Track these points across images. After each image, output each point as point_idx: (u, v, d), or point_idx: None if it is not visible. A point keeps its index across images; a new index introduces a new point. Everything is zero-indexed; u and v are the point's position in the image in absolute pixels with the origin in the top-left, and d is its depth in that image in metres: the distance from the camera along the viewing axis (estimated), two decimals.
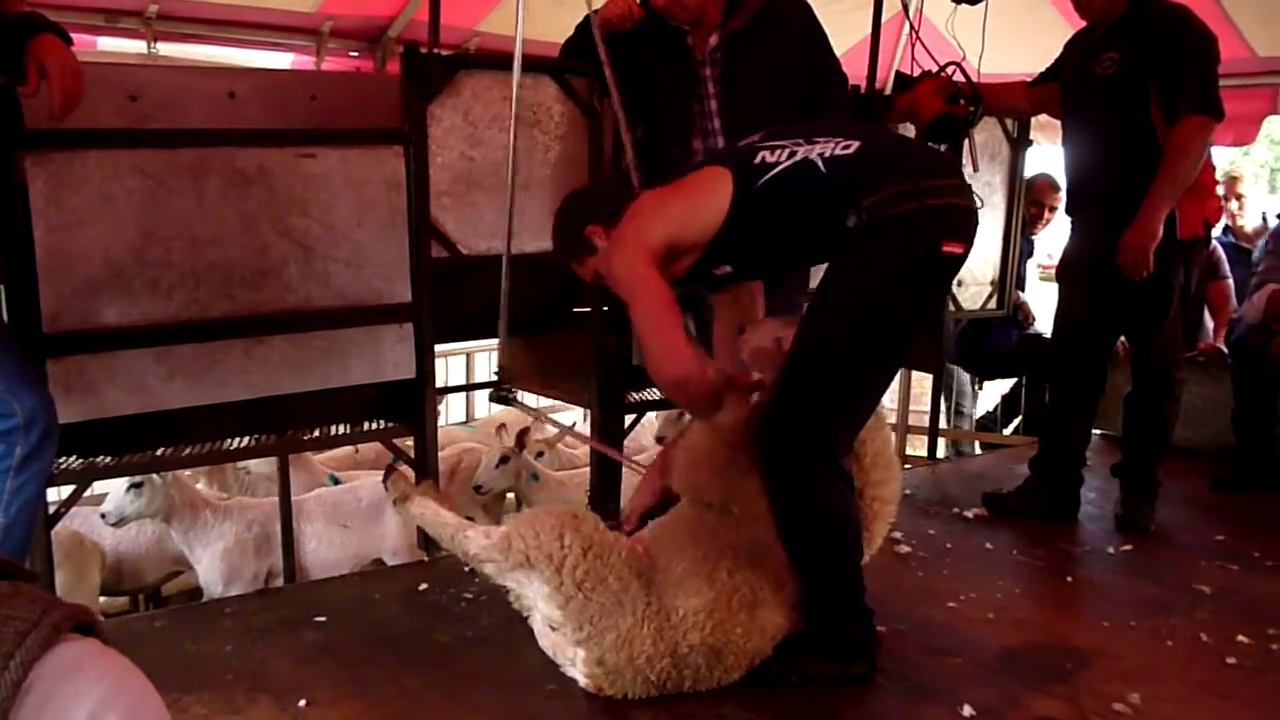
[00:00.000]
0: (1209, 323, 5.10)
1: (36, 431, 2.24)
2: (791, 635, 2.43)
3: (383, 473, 2.69)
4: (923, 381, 5.72)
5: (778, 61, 3.24)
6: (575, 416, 4.86)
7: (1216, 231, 4.78)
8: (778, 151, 2.36)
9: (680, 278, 2.45)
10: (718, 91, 3.28)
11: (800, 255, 2.60)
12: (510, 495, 4.43)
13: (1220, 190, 4.74)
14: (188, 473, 3.88)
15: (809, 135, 2.38)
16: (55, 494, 3.01)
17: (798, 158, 2.33)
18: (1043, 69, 3.81)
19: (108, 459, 2.95)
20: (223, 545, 3.58)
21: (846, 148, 2.33)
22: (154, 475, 3.50)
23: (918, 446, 5.65)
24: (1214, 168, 3.92)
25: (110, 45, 4.53)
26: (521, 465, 4.04)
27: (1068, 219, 3.81)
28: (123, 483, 3.57)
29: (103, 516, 3.64)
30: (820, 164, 2.31)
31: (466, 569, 3.09)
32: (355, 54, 5.19)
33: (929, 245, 2.29)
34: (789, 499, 2.37)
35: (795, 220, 2.37)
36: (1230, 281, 5.01)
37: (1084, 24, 3.61)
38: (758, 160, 2.36)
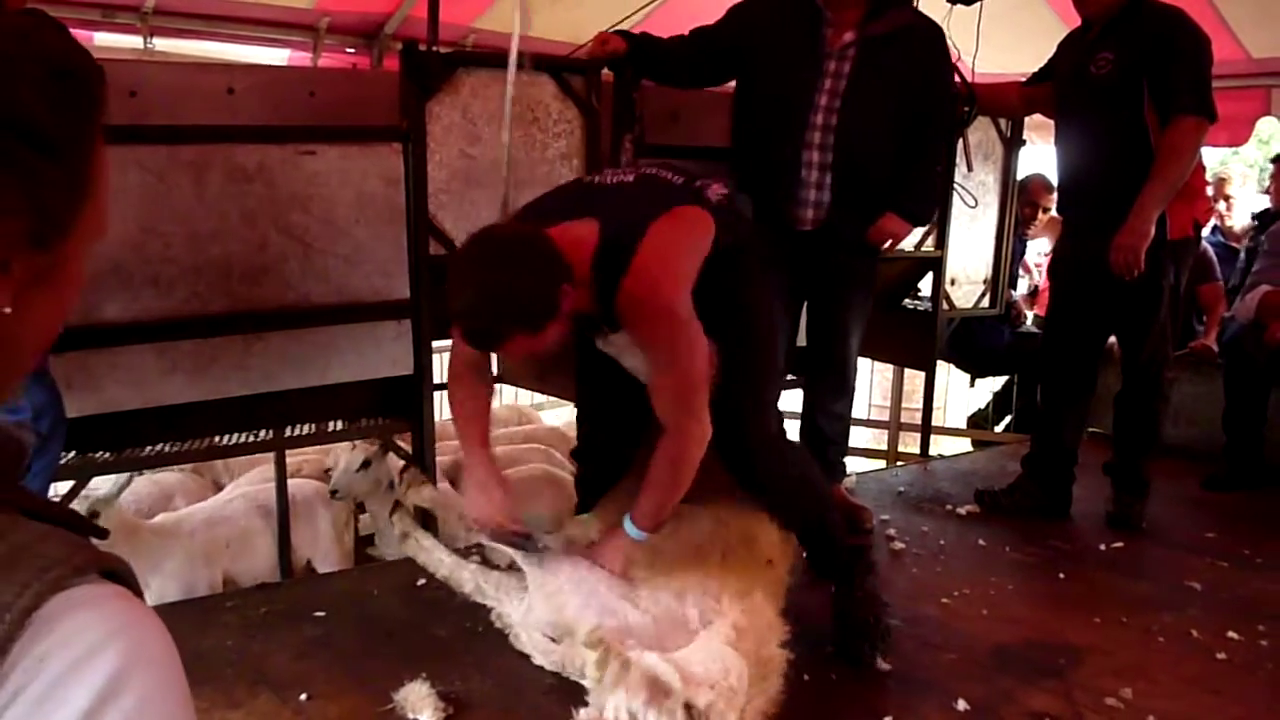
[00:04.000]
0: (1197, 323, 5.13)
1: (44, 425, 2.25)
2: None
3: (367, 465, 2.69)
4: (915, 379, 5.74)
5: (905, 80, 3.18)
6: (567, 414, 4.86)
7: (1205, 231, 4.81)
8: (713, 188, 2.42)
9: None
10: (838, 89, 3.17)
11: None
12: None
13: (1209, 191, 4.78)
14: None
15: (692, 174, 2.47)
16: (53, 490, 3.02)
17: (720, 196, 2.42)
18: (1037, 69, 3.83)
19: (106, 454, 2.96)
20: (171, 564, 3.47)
21: (723, 190, 2.45)
22: (99, 505, 3.29)
23: (910, 444, 5.69)
24: (1204, 168, 3.95)
25: (107, 40, 4.51)
26: (383, 473, 3.78)
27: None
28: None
29: None
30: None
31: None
32: (352, 50, 5.18)
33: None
34: (784, 474, 2.57)
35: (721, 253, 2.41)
36: (1222, 283, 5.04)
37: (1078, 24, 3.63)
38: (713, 199, 2.39)
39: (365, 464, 3.66)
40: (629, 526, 2.38)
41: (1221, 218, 5.34)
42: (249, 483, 4.05)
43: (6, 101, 0.60)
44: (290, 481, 3.90)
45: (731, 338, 2.42)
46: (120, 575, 0.63)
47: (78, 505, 3.08)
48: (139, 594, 0.64)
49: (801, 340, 3.57)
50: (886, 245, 3.40)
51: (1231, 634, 2.83)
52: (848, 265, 3.34)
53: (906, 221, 3.38)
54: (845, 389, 3.56)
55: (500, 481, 2.51)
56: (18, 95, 0.61)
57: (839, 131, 3.17)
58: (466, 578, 2.64)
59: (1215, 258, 5.10)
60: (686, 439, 2.28)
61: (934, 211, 3.57)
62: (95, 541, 0.66)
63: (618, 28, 3.43)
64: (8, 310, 0.63)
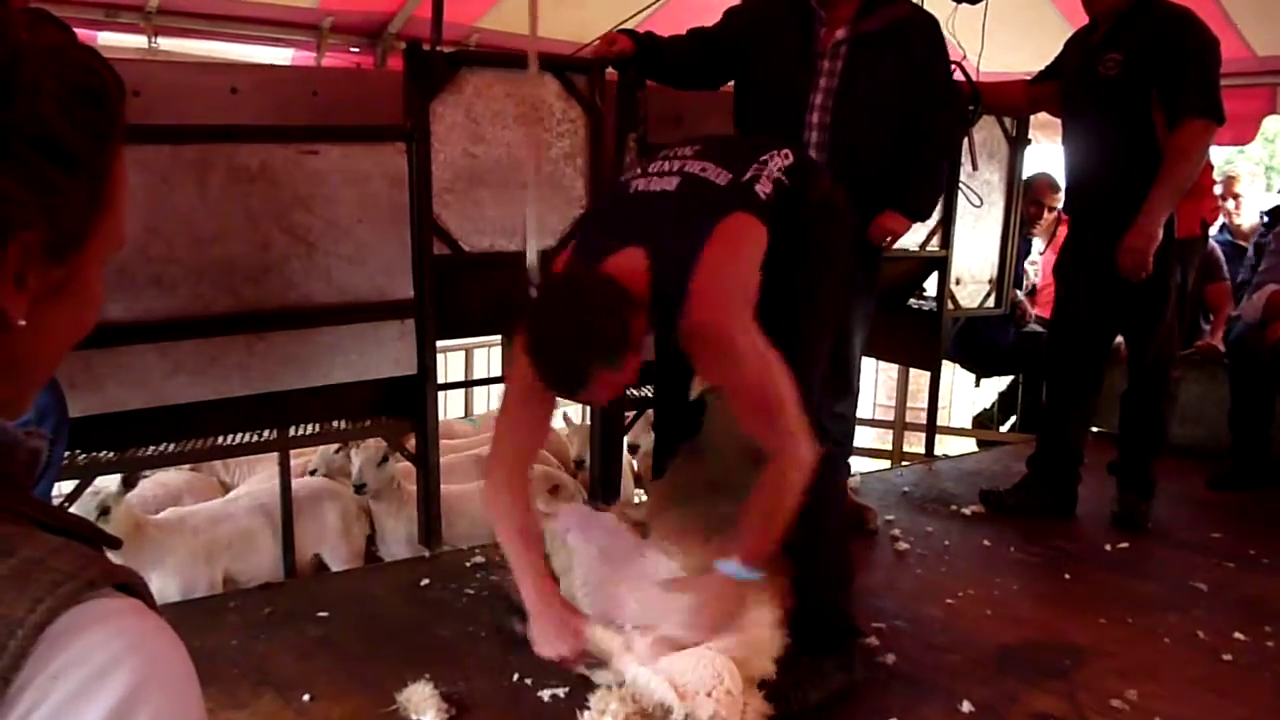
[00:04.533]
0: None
1: (47, 427, 2.25)
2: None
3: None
4: (920, 379, 5.73)
5: (901, 76, 3.15)
6: (574, 413, 4.86)
7: (1213, 230, 4.80)
8: (763, 183, 2.30)
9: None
10: (832, 87, 3.15)
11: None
12: None
13: (1218, 190, 4.77)
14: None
15: (760, 150, 2.37)
16: (57, 489, 3.02)
17: (775, 177, 2.32)
18: (1042, 68, 3.82)
19: (110, 454, 2.96)
20: (173, 560, 3.47)
21: (787, 157, 2.37)
22: (110, 501, 3.26)
23: (915, 444, 5.67)
24: (1212, 167, 3.94)
25: (111, 40, 4.51)
26: (394, 471, 3.74)
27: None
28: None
29: None
30: (787, 180, 2.34)
31: (467, 565, 3.12)
32: (356, 50, 5.18)
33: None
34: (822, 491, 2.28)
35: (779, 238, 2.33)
36: (1229, 282, 5.02)
37: (1082, 23, 3.62)
38: (762, 197, 2.28)
39: (384, 459, 3.68)
40: (732, 567, 2.18)
41: (1230, 216, 5.32)
42: (258, 483, 4.06)
43: (28, 117, 0.61)
44: (297, 480, 3.89)
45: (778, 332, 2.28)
46: (134, 588, 0.63)
47: (89, 500, 3.10)
48: (153, 606, 0.63)
49: None
50: (886, 242, 3.39)
51: (1237, 635, 2.82)
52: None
53: (906, 218, 3.36)
54: (849, 389, 3.55)
55: (575, 612, 2.32)
56: (39, 111, 0.61)
57: (834, 130, 3.14)
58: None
59: (1223, 256, 5.08)
60: (784, 462, 2.14)
61: (934, 207, 3.54)
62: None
63: (623, 27, 3.42)
64: (23, 323, 0.63)
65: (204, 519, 3.60)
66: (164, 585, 3.36)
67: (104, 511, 3.21)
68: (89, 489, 3.09)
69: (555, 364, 2.07)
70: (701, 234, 2.17)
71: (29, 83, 0.61)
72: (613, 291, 2.07)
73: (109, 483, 3.27)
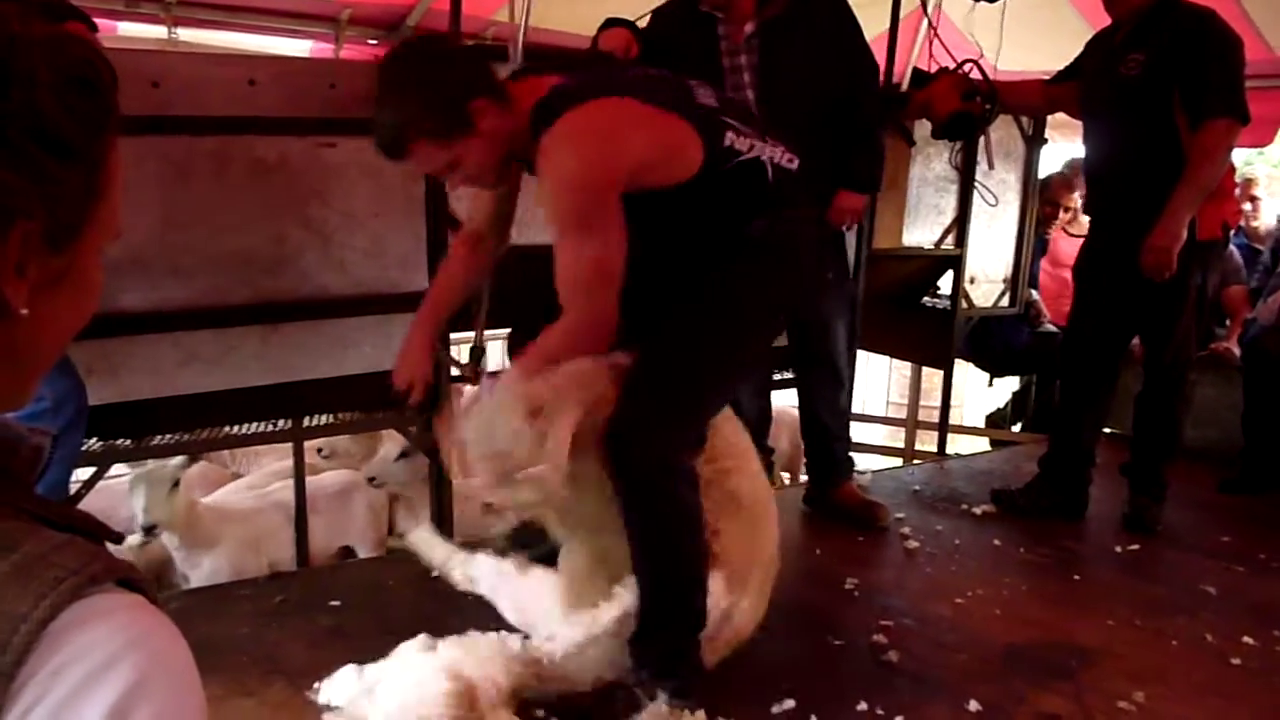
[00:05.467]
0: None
1: (65, 415, 2.27)
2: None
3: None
4: (933, 377, 5.73)
5: (816, 51, 3.18)
6: None
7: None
8: (743, 139, 2.22)
9: None
10: (755, 80, 3.19)
11: (697, 249, 2.31)
12: None
13: (1237, 192, 4.74)
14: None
15: (764, 133, 2.30)
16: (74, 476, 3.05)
17: (754, 154, 2.24)
18: (1060, 68, 3.81)
19: (127, 442, 2.99)
20: (225, 546, 3.54)
21: (791, 161, 2.30)
22: (164, 481, 3.37)
23: (927, 442, 5.67)
24: (1234, 170, 3.91)
25: (131, 30, 4.55)
26: (420, 464, 3.73)
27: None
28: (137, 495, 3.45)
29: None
30: (770, 170, 2.25)
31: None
32: (374, 41, 5.20)
33: (815, 269, 2.34)
34: (649, 502, 2.17)
35: (721, 214, 2.26)
36: (1247, 286, 5.00)
37: (1105, 23, 3.60)
38: (726, 142, 2.19)
39: (403, 454, 3.71)
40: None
41: (1247, 218, 5.29)
42: (274, 475, 4.15)
43: (26, 108, 0.62)
44: (328, 472, 4.05)
45: (682, 323, 2.21)
46: (136, 583, 0.64)
47: (160, 472, 3.24)
48: (154, 600, 0.64)
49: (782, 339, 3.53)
50: (848, 223, 3.38)
51: (1246, 639, 2.81)
52: None
53: (859, 193, 3.38)
54: (839, 380, 3.55)
55: (427, 345, 2.52)
56: (36, 102, 0.62)
57: (766, 120, 3.16)
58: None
59: (1242, 260, 5.05)
60: (577, 317, 2.07)
61: (882, 174, 3.55)
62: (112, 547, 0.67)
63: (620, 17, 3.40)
64: (24, 312, 0.64)
65: (250, 508, 3.70)
66: (215, 569, 3.45)
67: (175, 484, 3.30)
68: (158, 462, 3.21)
69: (379, 122, 2.09)
70: (611, 88, 2.11)
71: (25, 74, 0.62)
72: (467, 68, 2.08)
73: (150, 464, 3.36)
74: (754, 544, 2.42)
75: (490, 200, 2.45)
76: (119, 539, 0.73)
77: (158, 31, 4.55)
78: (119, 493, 3.91)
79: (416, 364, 2.50)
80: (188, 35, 4.65)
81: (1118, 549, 3.49)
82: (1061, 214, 5.32)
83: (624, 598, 2.22)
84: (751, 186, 2.24)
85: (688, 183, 2.16)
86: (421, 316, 2.57)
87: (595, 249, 2.05)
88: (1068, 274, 4.09)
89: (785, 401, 4.52)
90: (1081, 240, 3.82)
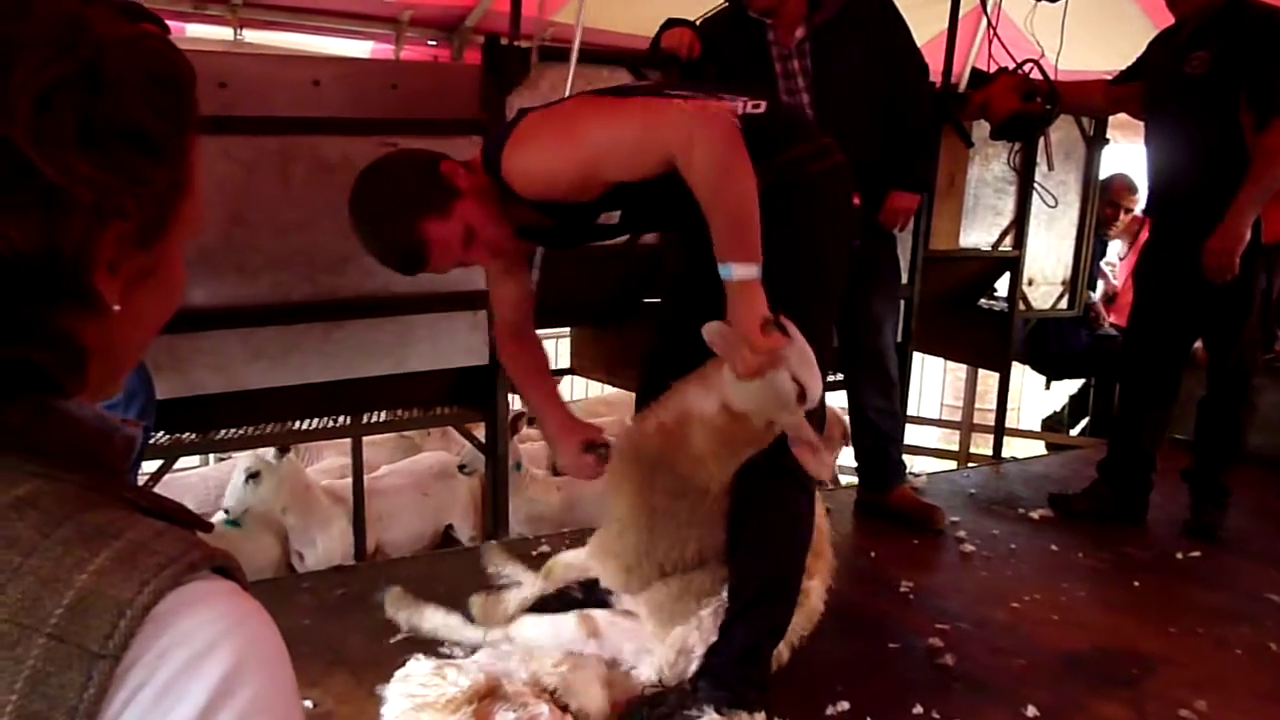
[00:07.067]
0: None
1: (135, 408, 2.32)
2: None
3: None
4: (989, 380, 5.68)
5: (868, 53, 3.21)
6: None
7: None
8: (693, 102, 2.11)
9: (551, 228, 2.24)
10: (809, 85, 3.20)
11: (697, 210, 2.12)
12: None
13: None
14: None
15: (716, 91, 2.23)
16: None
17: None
18: (1123, 67, 3.76)
19: (193, 435, 3.05)
20: (339, 526, 3.70)
21: (757, 107, 2.20)
22: (270, 462, 3.62)
23: (982, 445, 5.62)
24: None
25: (198, 32, 4.64)
26: (288, 476, 3.74)
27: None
28: (239, 475, 3.66)
29: (226, 512, 3.68)
30: (738, 120, 2.11)
31: (534, 554, 3.16)
32: (433, 43, 5.25)
33: (844, 198, 2.25)
34: (780, 499, 2.20)
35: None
36: None
37: (1168, 22, 3.55)
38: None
39: (253, 475, 3.80)
40: (727, 271, 1.95)
41: None
42: (326, 472, 4.35)
43: (118, 110, 0.63)
44: (433, 454, 4.33)
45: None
46: (230, 571, 0.66)
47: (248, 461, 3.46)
48: (246, 588, 0.67)
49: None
50: (900, 224, 3.37)
51: None
52: (866, 256, 3.24)
53: (911, 193, 3.39)
54: (889, 381, 3.53)
55: (569, 416, 2.39)
56: (126, 103, 0.63)
57: (822, 125, 3.14)
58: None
59: None
60: (692, 154, 1.92)
61: (934, 175, 3.54)
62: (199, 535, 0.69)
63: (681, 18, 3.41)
64: (117, 308, 0.66)
65: (372, 492, 3.88)
66: (330, 549, 3.65)
67: (254, 475, 3.45)
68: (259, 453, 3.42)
69: (379, 240, 2.07)
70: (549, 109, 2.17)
71: (114, 76, 0.63)
72: (405, 155, 2.14)
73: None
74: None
75: (507, 288, 2.42)
76: (209, 527, 0.75)
77: (224, 33, 4.63)
78: (184, 485, 4.03)
79: (581, 429, 2.37)
80: (253, 37, 4.73)
81: (1179, 555, 3.44)
82: (1122, 215, 5.25)
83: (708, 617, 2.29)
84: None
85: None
86: (541, 399, 2.44)
87: (627, 109, 2.06)
88: None
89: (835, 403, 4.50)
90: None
